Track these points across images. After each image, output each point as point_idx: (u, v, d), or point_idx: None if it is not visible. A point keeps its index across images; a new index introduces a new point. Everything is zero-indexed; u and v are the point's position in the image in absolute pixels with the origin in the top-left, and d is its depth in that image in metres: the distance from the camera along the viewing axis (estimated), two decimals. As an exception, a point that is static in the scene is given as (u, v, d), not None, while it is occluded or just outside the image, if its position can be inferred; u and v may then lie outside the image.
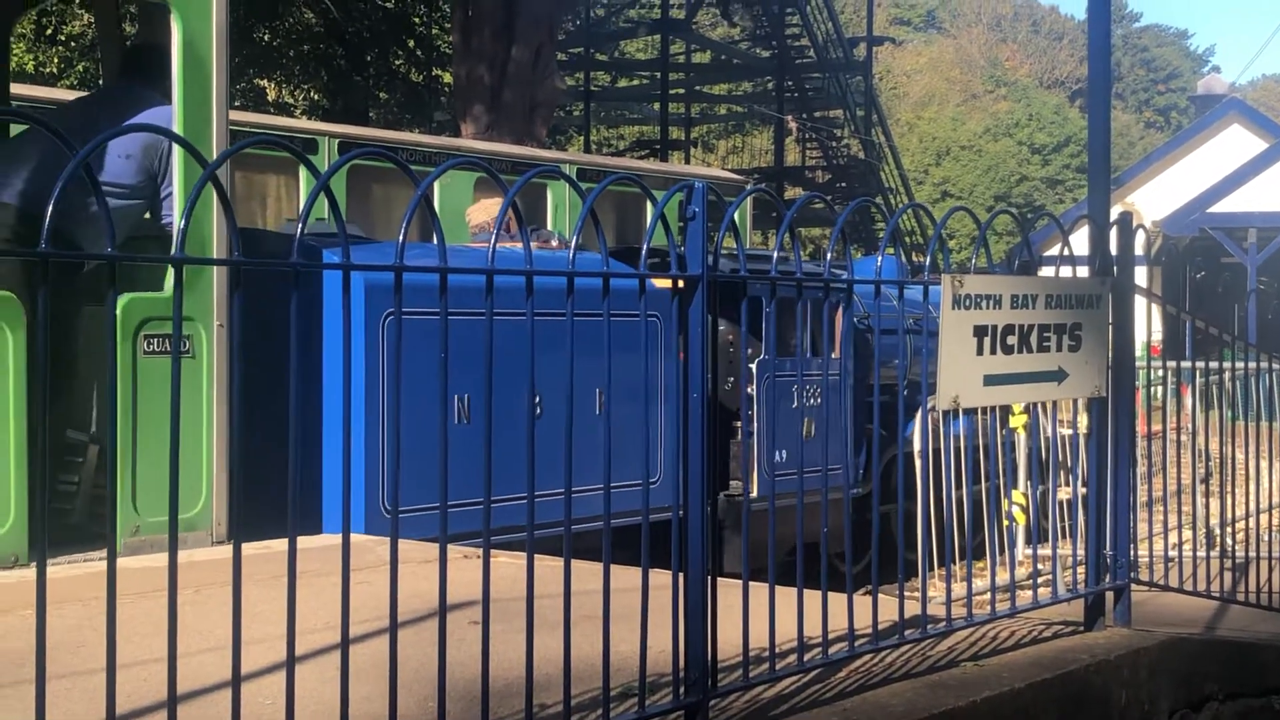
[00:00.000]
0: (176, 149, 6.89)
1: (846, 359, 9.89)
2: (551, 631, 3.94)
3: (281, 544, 6.50)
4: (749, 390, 9.87)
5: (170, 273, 6.79)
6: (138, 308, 6.67)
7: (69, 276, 6.75)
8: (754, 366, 9.95)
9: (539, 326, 3.62)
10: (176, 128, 6.83)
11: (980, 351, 5.17)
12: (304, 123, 17.85)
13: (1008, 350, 5.27)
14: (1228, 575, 7.58)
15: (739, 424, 9.84)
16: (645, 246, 3.95)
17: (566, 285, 3.71)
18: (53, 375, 6.61)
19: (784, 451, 9.01)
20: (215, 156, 6.61)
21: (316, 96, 28.61)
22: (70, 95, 10.78)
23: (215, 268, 6.79)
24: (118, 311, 6.59)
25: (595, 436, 3.99)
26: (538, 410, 7.13)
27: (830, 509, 8.50)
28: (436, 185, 13.62)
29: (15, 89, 10.95)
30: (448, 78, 27.83)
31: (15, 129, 7.70)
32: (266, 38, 25.17)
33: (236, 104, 23.56)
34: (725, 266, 4.70)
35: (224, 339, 6.91)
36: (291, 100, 29.56)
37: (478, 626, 3.71)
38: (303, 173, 13.28)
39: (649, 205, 4.06)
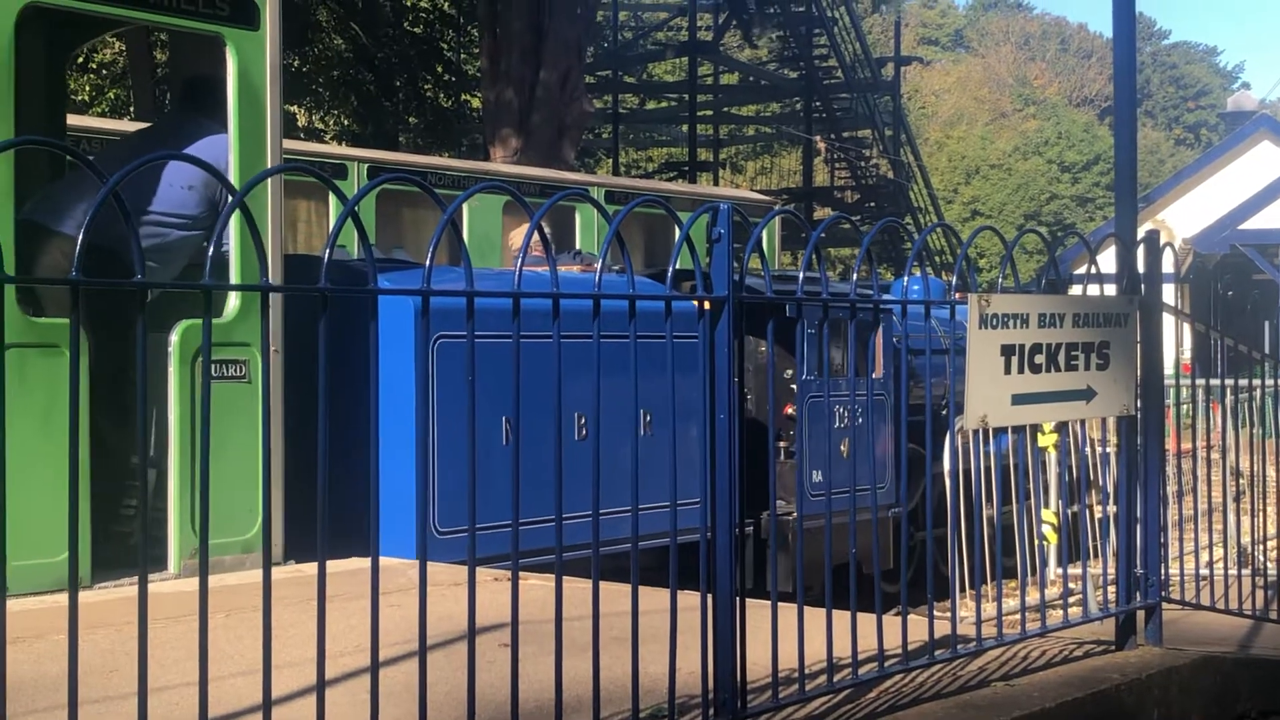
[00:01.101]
0: (236, 177, 7.00)
1: (887, 379, 9.90)
2: (581, 653, 3.96)
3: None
4: (787, 411, 9.90)
5: (228, 300, 7.04)
6: (195, 334, 6.75)
7: (132, 305, 6.77)
8: (795, 387, 9.96)
9: (586, 350, 3.65)
10: (232, 157, 6.98)
11: (1008, 370, 5.16)
12: (343, 149, 17.89)
13: (1035, 369, 5.27)
14: (1260, 593, 7.54)
15: (782, 444, 9.93)
16: (672, 269, 3.96)
17: (592, 307, 3.73)
18: (116, 401, 6.73)
19: (821, 472, 9.02)
20: (270, 189, 6.93)
21: (346, 122, 28.73)
22: (130, 127, 10.99)
23: (274, 295, 6.84)
24: (175, 338, 6.81)
25: (645, 457, 4.04)
26: (583, 431, 7.19)
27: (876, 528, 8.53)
28: (466, 209, 13.65)
29: (77, 120, 11.29)
30: (476, 102, 27.91)
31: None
32: (296, 64, 25.29)
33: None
34: (777, 289, 4.75)
35: (279, 364, 7.00)
36: (322, 126, 29.69)
37: (508, 649, 3.72)
38: (332, 199, 13.35)
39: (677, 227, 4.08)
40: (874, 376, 9.84)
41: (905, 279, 5.15)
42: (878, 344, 10.18)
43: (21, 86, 6.47)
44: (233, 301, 7.05)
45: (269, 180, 6.94)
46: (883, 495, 4.94)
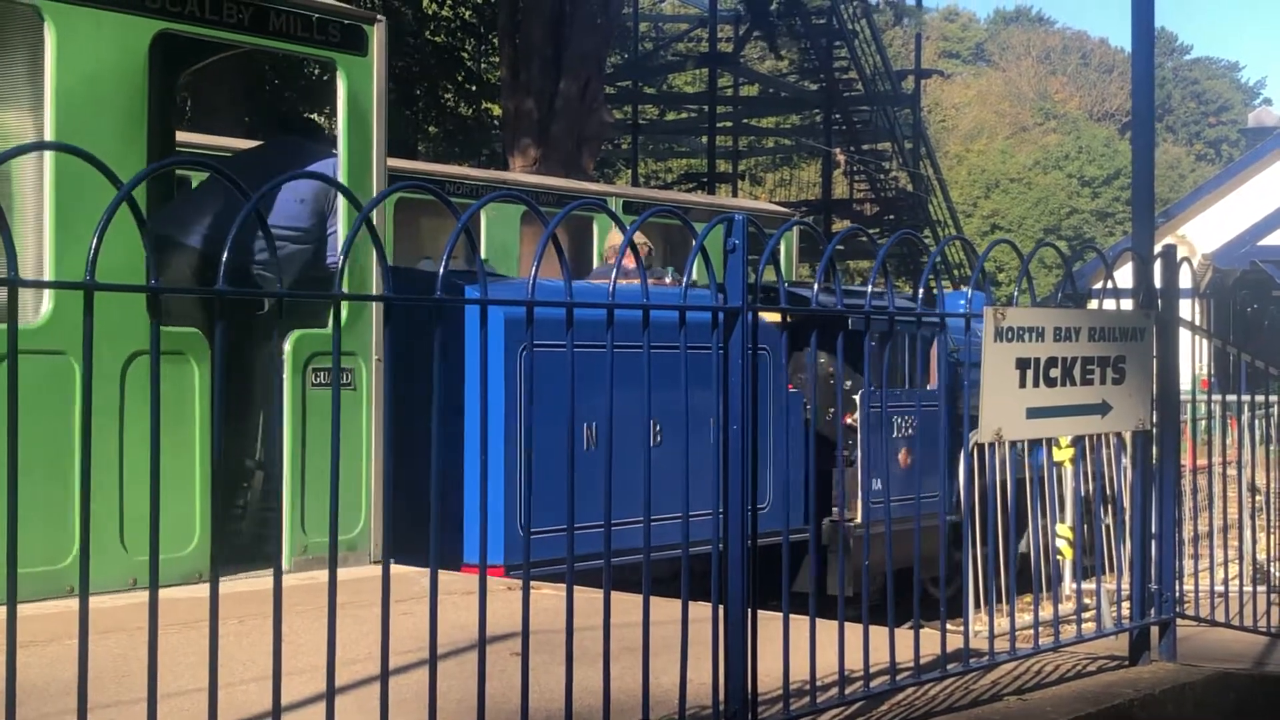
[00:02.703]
0: (342, 196, 7.09)
1: (941, 390, 9.90)
2: (593, 663, 3.95)
3: (344, 573, 6.68)
4: (848, 421, 10.01)
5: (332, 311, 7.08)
6: (306, 343, 7.18)
7: (246, 315, 7.28)
8: (857, 398, 10.01)
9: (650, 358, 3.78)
10: (341, 176, 7.32)
11: (1023, 384, 5.15)
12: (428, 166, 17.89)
13: (1050, 383, 5.26)
14: (1276, 610, 7.52)
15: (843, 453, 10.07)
16: (686, 279, 3.97)
17: (607, 317, 3.74)
18: (234, 406, 7.07)
19: (879, 480, 9.16)
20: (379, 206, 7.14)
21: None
22: (241, 144, 11.64)
23: (374, 307, 7.29)
24: (288, 347, 7.14)
25: (706, 465, 4.14)
26: (657, 438, 7.31)
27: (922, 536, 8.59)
28: (484, 218, 13.67)
29: (189, 137, 11.77)
30: (496, 111, 27.95)
31: (196, 177, 8.35)
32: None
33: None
34: (825, 301, 4.81)
35: (381, 372, 7.37)
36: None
37: (519, 658, 3.72)
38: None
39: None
40: (929, 387, 10.01)
41: (970, 291, 5.18)
42: (932, 356, 10.33)
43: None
44: (343, 313, 7.16)
45: (373, 196, 7.16)
46: (938, 504, 5.22)
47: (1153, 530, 5.93)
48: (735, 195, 33.54)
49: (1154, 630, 5.96)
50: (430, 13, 29.02)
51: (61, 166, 6.37)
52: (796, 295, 6.66)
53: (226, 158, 10.20)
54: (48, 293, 6.32)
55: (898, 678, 4.80)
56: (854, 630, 4.66)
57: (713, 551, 4.10)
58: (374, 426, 7.37)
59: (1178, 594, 6.37)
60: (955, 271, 33.12)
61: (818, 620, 4.57)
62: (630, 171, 35.21)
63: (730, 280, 4.03)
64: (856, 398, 9.57)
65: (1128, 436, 6.05)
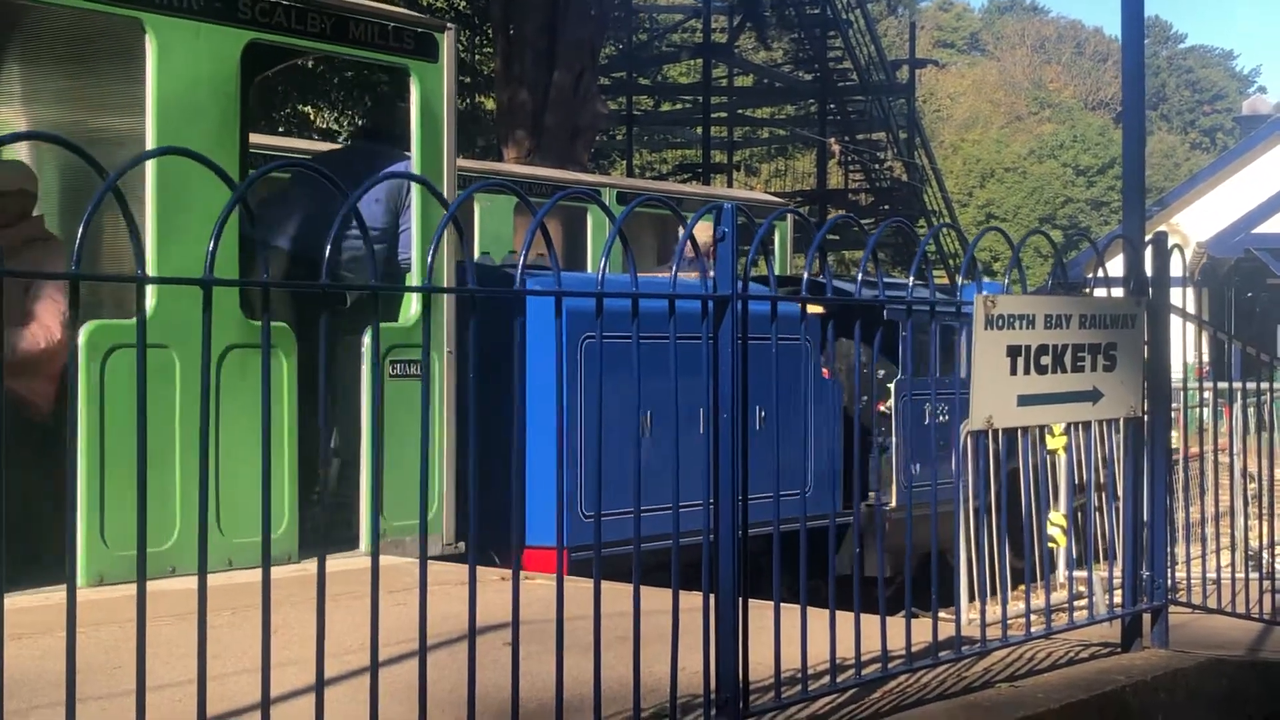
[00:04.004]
0: (415, 195, 7.78)
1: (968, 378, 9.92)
2: (585, 653, 3.96)
3: (338, 564, 6.78)
4: (882, 408, 10.12)
5: (410, 306, 7.73)
6: (384, 337, 7.42)
7: (330, 311, 7.38)
8: (893, 386, 10.07)
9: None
10: (414, 174, 7.76)
11: (1014, 371, 5.16)
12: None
13: (1041, 370, 5.26)
14: (1270, 597, 7.52)
15: (875, 439, 10.32)
16: (675, 267, 3.97)
17: (631, 307, 3.77)
18: (313, 396, 7.16)
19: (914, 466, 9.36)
20: (448, 199, 7.42)
21: (361, 122, 28.75)
22: (321, 147, 12.31)
23: (446, 300, 7.64)
24: (368, 340, 7.40)
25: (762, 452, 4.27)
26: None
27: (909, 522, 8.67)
28: (476, 209, 13.67)
29: (270, 140, 12.48)
30: (490, 103, 27.93)
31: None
32: (311, 63, 25.36)
33: (280, 130, 23.73)
34: (867, 294, 4.88)
35: (454, 363, 7.70)
36: (336, 126, 29.72)
37: (511, 648, 3.72)
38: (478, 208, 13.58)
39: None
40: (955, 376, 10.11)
41: (1006, 279, 5.22)
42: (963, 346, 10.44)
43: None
44: (414, 308, 7.71)
45: (449, 196, 7.66)
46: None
47: (1144, 517, 5.94)
48: (730, 186, 33.53)
49: (1146, 617, 5.97)
50: (425, 4, 28.99)
51: (162, 169, 6.64)
52: (838, 288, 6.73)
53: (308, 161, 10.50)
54: (150, 288, 6.47)
55: (890, 665, 4.80)
56: (845, 618, 4.67)
57: (704, 541, 4.11)
58: (445, 416, 7.67)
59: (1171, 581, 6.38)
60: (951, 261, 33.11)
61: (810, 609, 4.58)
62: (625, 163, 35.19)
63: (720, 269, 4.04)
64: (891, 386, 9.67)
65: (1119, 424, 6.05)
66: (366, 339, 7.45)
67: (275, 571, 5.80)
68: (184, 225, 6.69)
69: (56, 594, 6.08)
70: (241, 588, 6.04)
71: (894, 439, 9.58)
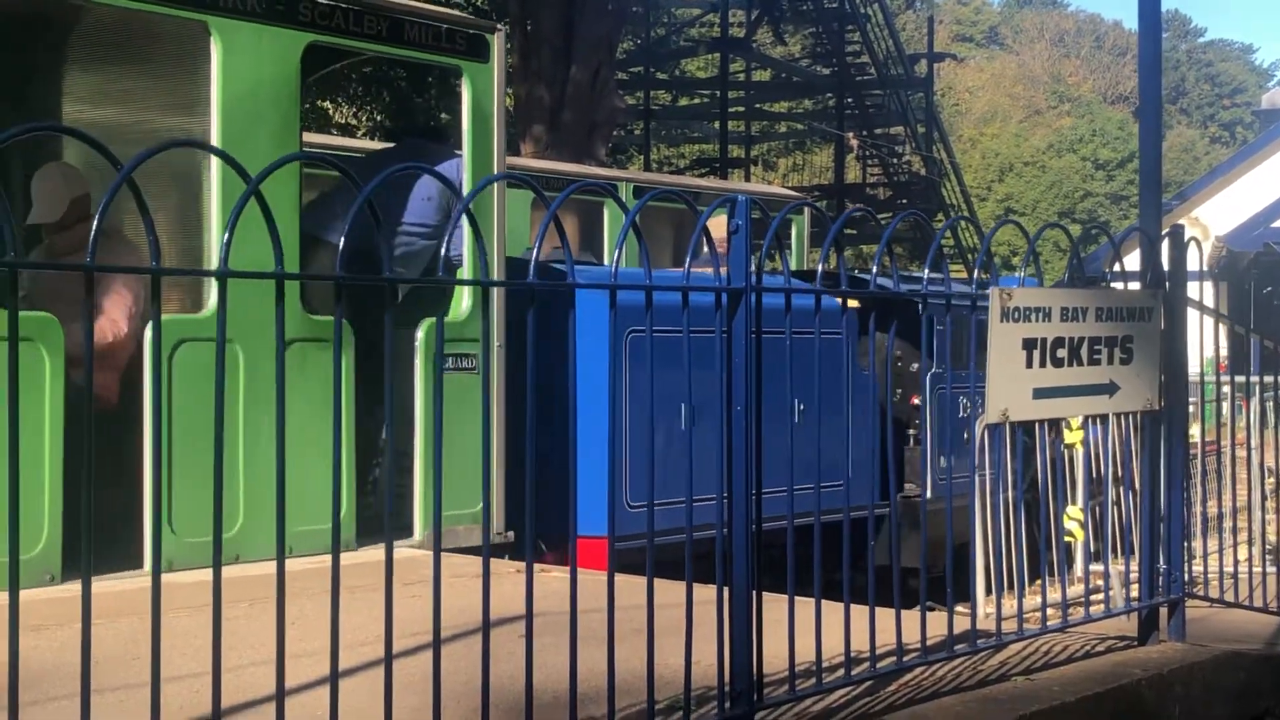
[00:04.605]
0: (466, 189, 7.78)
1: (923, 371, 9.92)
2: (599, 645, 3.96)
3: (360, 556, 6.88)
4: (914, 401, 10.23)
5: (462, 301, 7.96)
6: (435, 332, 7.45)
7: (383, 305, 7.67)
8: (928, 379, 10.13)
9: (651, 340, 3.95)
10: (466, 176, 7.96)
11: (1030, 364, 5.15)
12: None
13: (1057, 363, 5.25)
14: (1287, 591, 7.50)
15: (911, 432, 10.58)
16: (689, 260, 3.97)
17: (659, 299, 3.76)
18: (368, 389, 7.56)
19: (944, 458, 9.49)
20: (496, 198, 8.01)
21: (380, 117, 28.78)
22: (371, 146, 12.64)
23: (496, 295, 7.83)
24: (420, 334, 7.75)
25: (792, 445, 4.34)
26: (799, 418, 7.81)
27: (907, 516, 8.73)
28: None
29: (322, 139, 12.82)
30: (508, 98, 27.96)
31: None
32: (361, 64, 25.49)
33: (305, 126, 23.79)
34: (899, 286, 4.94)
35: (502, 357, 7.94)
36: (355, 122, 29.76)
37: (525, 640, 3.73)
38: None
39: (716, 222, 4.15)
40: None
41: (1023, 272, 5.24)
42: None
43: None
44: (466, 302, 7.97)
45: (494, 194, 7.96)
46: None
47: (1161, 511, 5.93)
48: (748, 180, 33.51)
49: (1163, 611, 5.95)
50: (442, 0, 29.01)
51: (226, 167, 6.72)
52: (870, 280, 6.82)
53: (360, 159, 10.83)
54: (214, 284, 6.69)
55: (905, 658, 4.80)
56: (860, 612, 4.67)
57: (716, 534, 4.11)
58: (493, 408, 7.80)
59: (1188, 575, 6.37)
60: (969, 256, 33.06)
61: (824, 602, 4.58)
62: (643, 157, 35.17)
63: (734, 261, 4.04)
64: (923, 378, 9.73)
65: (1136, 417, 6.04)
66: (419, 333, 7.70)
67: (330, 558, 5.89)
68: (248, 222, 6.80)
69: (121, 582, 6.17)
70: (298, 574, 6.09)
71: (926, 432, 9.68)
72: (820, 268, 5.21)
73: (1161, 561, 5.92)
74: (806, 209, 15.48)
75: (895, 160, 34.40)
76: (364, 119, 29.56)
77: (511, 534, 7.96)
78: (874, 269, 4.87)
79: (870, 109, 34.13)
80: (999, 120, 77.55)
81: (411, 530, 7.80)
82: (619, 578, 3.90)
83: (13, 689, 2.76)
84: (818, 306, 4.37)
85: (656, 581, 3.98)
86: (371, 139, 25.69)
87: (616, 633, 3.87)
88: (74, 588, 6.08)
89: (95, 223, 2.87)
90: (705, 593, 4.21)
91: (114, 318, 6.97)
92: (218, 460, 3.11)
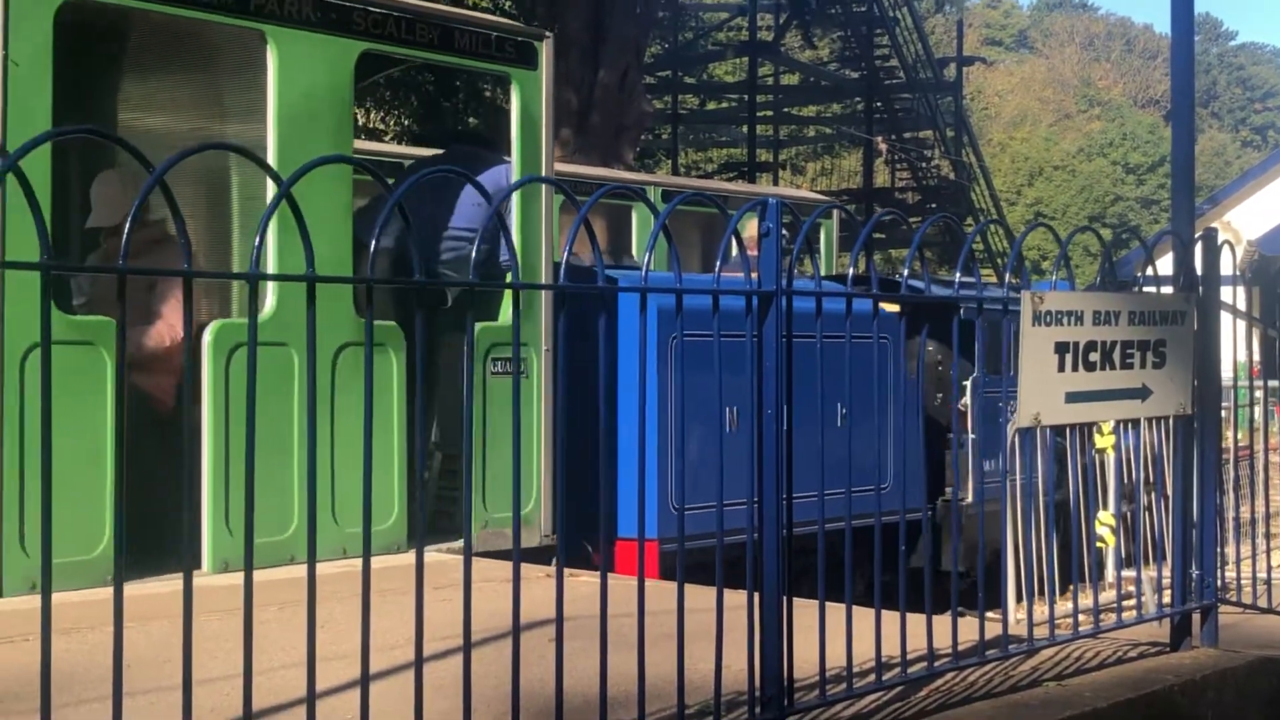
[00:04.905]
0: (515, 196, 7.95)
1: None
2: (630, 649, 3.96)
3: (397, 559, 6.92)
4: (960, 405, 10.25)
5: (505, 306, 7.99)
6: (486, 335, 7.84)
7: (433, 310, 7.97)
8: (969, 384, 10.11)
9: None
10: (515, 178, 8.09)
11: (1061, 368, 5.13)
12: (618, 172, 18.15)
13: (1090, 367, 5.23)
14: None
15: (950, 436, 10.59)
16: (719, 265, 3.96)
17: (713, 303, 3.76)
18: (428, 391, 7.75)
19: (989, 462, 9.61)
20: (545, 203, 8.16)
21: (407, 122, 28.81)
22: (422, 153, 12.62)
23: (543, 299, 7.99)
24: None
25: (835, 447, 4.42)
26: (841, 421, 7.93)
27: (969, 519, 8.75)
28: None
29: (371, 145, 13.36)
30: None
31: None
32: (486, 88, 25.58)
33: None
34: (940, 292, 4.97)
35: (548, 360, 8.07)
36: (382, 126, 29.80)
37: (555, 644, 3.73)
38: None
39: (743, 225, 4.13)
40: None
41: (1054, 276, 5.25)
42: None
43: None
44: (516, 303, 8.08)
45: (542, 198, 8.13)
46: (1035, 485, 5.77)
47: (1194, 516, 5.90)
48: (776, 184, 33.46)
49: (1195, 616, 5.92)
50: (471, 4, 29.04)
51: (282, 172, 6.89)
52: (914, 286, 6.82)
53: (412, 165, 11.01)
54: (271, 288, 6.87)
55: (936, 663, 4.78)
56: (892, 617, 4.65)
57: (748, 539, 4.10)
58: (543, 411, 8.04)
59: (1221, 581, 6.33)
60: (999, 260, 32.96)
61: (855, 608, 4.56)
62: (670, 161, 35.16)
63: (764, 265, 4.03)
64: (968, 383, 9.72)
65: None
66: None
67: (381, 560, 5.94)
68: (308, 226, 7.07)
69: (155, 585, 6.22)
70: (328, 578, 6.09)
71: (969, 435, 9.69)
72: (851, 271, 5.19)
73: (1194, 567, 5.88)
74: (835, 213, 15.47)
75: (924, 164, 34.31)
76: (391, 123, 29.61)
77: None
78: (904, 272, 4.85)
79: (899, 113, 34.04)
80: (1029, 124, 77.31)
81: (459, 532, 7.76)
82: (649, 582, 3.90)
83: (45, 692, 2.76)
84: (848, 310, 4.36)
85: (688, 586, 3.97)
86: (399, 143, 25.74)
87: (647, 637, 3.86)
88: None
89: (127, 226, 2.88)
90: (737, 598, 4.20)
91: (171, 322, 7.11)
92: (249, 462, 3.12)
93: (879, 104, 33.77)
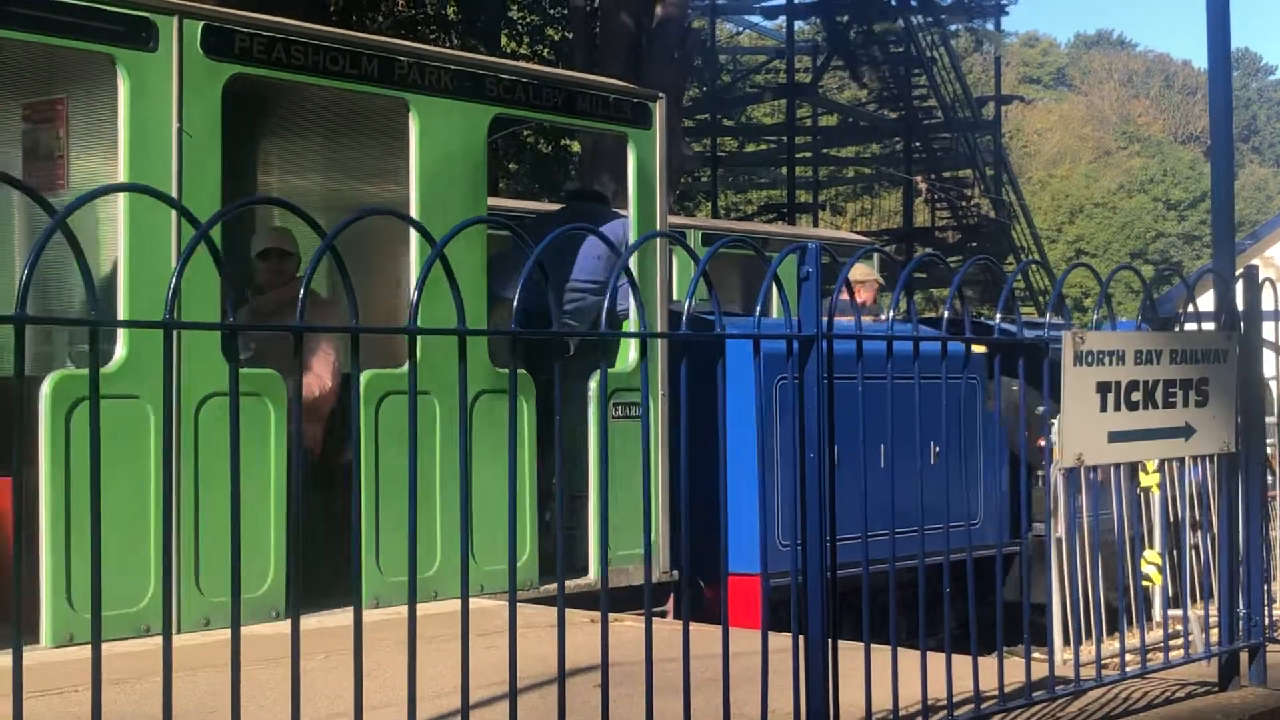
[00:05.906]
0: (637, 253, 8.22)
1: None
2: (675, 694, 3.96)
3: (438, 607, 6.97)
4: (1040, 443, 10.30)
5: (629, 353, 8.41)
6: (607, 382, 7.83)
7: (557, 358, 8.04)
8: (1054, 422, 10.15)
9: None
10: (632, 235, 8.45)
11: (1104, 408, 5.12)
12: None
13: (1132, 406, 5.21)
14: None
15: (1039, 474, 10.55)
16: (759, 307, 3.98)
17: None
18: (546, 436, 7.96)
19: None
20: (659, 257, 8.59)
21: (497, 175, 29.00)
22: (544, 208, 13.59)
23: (661, 347, 8.37)
24: (593, 385, 8.19)
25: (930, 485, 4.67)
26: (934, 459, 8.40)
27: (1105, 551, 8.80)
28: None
29: (501, 202, 13.86)
30: (575, 146, 28.09)
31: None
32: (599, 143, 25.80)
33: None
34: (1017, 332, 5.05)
35: (667, 405, 8.42)
36: (503, 185, 29.96)
37: (600, 690, 3.73)
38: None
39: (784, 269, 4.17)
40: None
41: (1095, 315, 5.27)
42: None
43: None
44: (632, 354, 8.39)
45: (657, 251, 8.56)
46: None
47: (1240, 554, 5.86)
48: (816, 225, 33.49)
49: (1243, 655, 5.88)
50: (510, 51, 29.20)
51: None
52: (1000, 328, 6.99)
53: (533, 220, 11.50)
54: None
55: (983, 705, 4.76)
56: (937, 659, 4.64)
57: (791, 581, 4.11)
58: (661, 454, 8.35)
59: (1269, 619, 6.29)
60: (1040, 299, 32.88)
61: (900, 650, 4.55)
62: (710, 204, 35.24)
63: (804, 308, 4.04)
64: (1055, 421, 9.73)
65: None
66: (591, 384, 8.16)
67: (425, 608, 5.99)
68: (441, 282, 7.42)
69: (142, 641, 6.22)
70: (374, 625, 6.11)
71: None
72: (946, 314, 5.25)
73: (1241, 605, 5.85)
74: (875, 254, 15.45)
75: (964, 203, 34.29)
76: (501, 182, 29.81)
77: (675, 572, 8.35)
78: (944, 313, 4.86)
79: (938, 152, 34.07)
80: (1068, 162, 77.17)
81: (587, 569, 8.22)
82: (694, 627, 3.90)
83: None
84: (889, 351, 4.37)
85: (733, 630, 3.97)
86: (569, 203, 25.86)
87: (692, 681, 3.86)
88: (177, 638, 6.14)
89: (304, 287, 3.21)
90: (783, 640, 4.20)
91: (319, 373, 7.51)
92: (355, 501, 3.15)
93: (918, 143, 33.80)
